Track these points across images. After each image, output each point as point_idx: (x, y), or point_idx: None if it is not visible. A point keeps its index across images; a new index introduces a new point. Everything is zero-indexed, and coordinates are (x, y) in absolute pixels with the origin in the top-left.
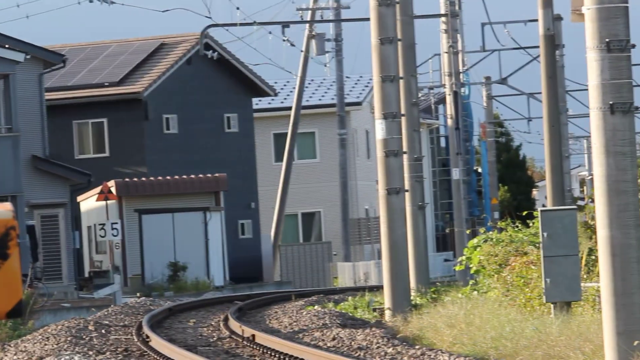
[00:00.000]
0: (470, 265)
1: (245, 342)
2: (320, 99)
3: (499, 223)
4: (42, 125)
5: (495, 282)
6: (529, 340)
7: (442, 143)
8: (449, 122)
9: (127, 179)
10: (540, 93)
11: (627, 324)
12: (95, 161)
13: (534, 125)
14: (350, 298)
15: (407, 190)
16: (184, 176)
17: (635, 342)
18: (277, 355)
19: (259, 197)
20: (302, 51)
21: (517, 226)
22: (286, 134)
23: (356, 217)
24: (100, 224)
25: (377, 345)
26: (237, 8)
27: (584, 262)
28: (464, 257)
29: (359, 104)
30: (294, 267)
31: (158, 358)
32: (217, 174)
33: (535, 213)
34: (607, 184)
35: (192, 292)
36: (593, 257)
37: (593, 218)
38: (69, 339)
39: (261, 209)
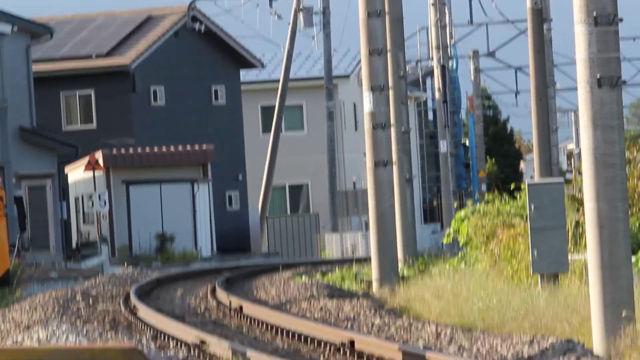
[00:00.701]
0: (458, 238)
1: (232, 313)
2: (308, 72)
3: (486, 195)
4: (29, 97)
5: (482, 254)
6: (516, 312)
7: (430, 116)
8: (437, 95)
9: (114, 151)
10: (528, 66)
11: (614, 296)
12: (83, 133)
13: (522, 98)
14: (337, 269)
15: (394, 163)
16: (172, 148)
17: (623, 313)
18: (264, 326)
19: (247, 169)
20: (289, 24)
21: (504, 199)
22: (274, 106)
23: (344, 189)
24: (87, 195)
25: (365, 316)
26: None
27: (571, 234)
28: (451, 229)
29: (346, 76)
30: (281, 238)
31: (146, 328)
32: (204, 146)
33: (522, 186)
34: (595, 157)
35: (180, 263)
36: (580, 230)
37: (580, 191)
38: (56, 308)
39: (249, 180)
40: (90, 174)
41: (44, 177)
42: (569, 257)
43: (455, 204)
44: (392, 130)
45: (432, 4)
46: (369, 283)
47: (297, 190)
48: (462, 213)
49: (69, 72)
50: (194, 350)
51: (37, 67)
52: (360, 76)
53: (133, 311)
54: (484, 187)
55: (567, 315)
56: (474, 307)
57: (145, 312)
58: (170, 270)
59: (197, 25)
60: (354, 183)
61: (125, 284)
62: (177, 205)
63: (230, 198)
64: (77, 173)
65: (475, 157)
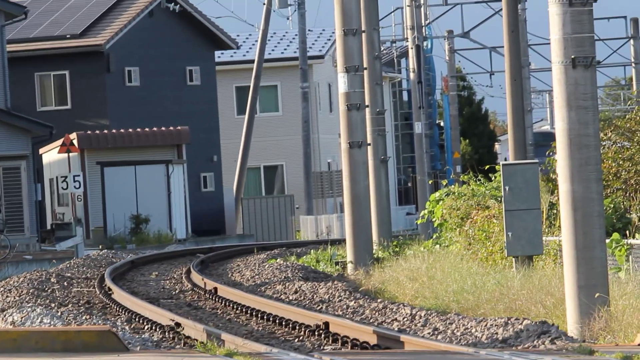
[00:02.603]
0: (433, 219)
1: (207, 295)
2: (282, 52)
3: (461, 177)
4: (3, 77)
5: (457, 236)
6: (490, 294)
7: (405, 97)
8: (412, 75)
9: (89, 132)
10: (502, 47)
11: (588, 277)
12: (57, 113)
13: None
14: (312, 251)
15: (369, 144)
16: (146, 129)
17: (597, 295)
18: (239, 308)
19: (221, 150)
20: (264, 4)
21: (479, 180)
22: (248, 87)
23: (319, 171)
24: (62, 177)
25: (339, 298)
26: None
27: (545, 216)
28: (426, 211)
29: (321, 57)
30: (256, 220)
31: (120, 310)
32: (179, 127)
33: (497, 167)
34: (569, 138)
35: (155, 245)
36: (555, 211)
37: (555, 172)
38: (31, 291)
39: (223, 162)
40: (64, 155)
41: (18, 159)
42: (544, 239)
43: (430, 182)
44: (367, 111)
45: None
46: (344, 265)
47: (272, 172)
48: (436, 194)
49: (43, 52)
50: (168, 332)
51: (11, 48)
52: (335, 57)
53: (108, 293)
54: (458, 168)
55: (541, 297)
56: (448, 289)
57: (119, 295)
58: (145, 252)
59: (171, 5)
60: (328, 164)
61: (100, 266)
62: (151, 187)
63: (205, 179)
64: (51, 154)
65: (449, 138)
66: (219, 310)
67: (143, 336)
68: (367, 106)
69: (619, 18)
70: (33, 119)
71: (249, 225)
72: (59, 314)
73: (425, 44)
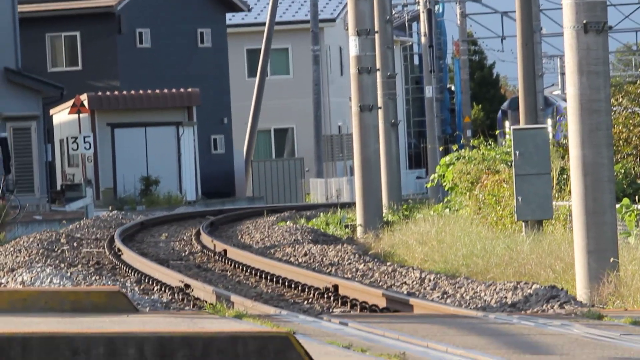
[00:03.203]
0: (443, 183)
1: (217, 257)
2: (294, 15)
3: (471, 141)
4: (14, 38)
5: (467, 200)
6: (500, 258)
7: (416, 61)
8: (423, 40)
9: (99, 93)
10: (514, 11)
11: (598, 242)
12: (68, 74)
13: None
14: (322, 214)
15: (380, 108)
16: (157, 90)
17: (611, 260)
18: (248, 270)
19: (232, 112)
20: None
21: (489, 144)
22: (259, 49)
23: (329, 134)
24: (72, 137)
25: (349, 261)
26: None
27: (555, 180)
28: (435, 175)
29: (332, 20)
30: (266, 182)
31: (129, 271)
32: (190, 89)
33: (507, 131)
34: (580, 103)
35: (164, 207)
36: (565, 176)
37: (565, 137)
38: (40, 251)
39: (234, 124)
40: (75, 116)
41: (28, 119)
42: (553, 204)
43: (440, 149)
44: (378, 74)
45: None
46: (354, 228)
47: (282, 134)
48: (447, 158)
49: (54, 13)
50: (177, 294)
51: (22, 8)
52: (346, 20)
53: (117, 254)
54: (469, 132)
55: (550, 262)
56: (458, 253)
57: (129, 256)
58: (154, 213)
59: None
60: (339, 127)
61: (110, 227)
62: (162, 149)
63: (215, 141)
64: (62, 115)
65: (460, 102)
66: (228, 272)
67: (152, 297)
68: (378, 70)
69: None
70: (44, 80)
71: (259, 188)
72: (69, 274)
73: (436, 8)
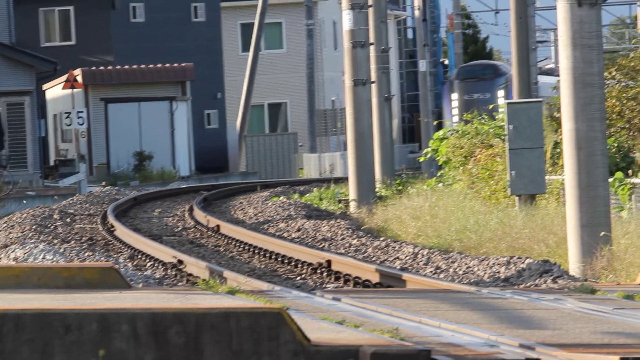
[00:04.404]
0: (436, 158)
1: (210, 232)
2: None
3: (465, 115)
4: (7, 12)
5: (460, 175)
6: (493, 233)
7: (410, 35)
8: (416, 13)
9: (93, 68)
10: None
11: (591, 216)
12: (62, 49)
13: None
14: (315, 189)
15: (373, 82)
16: (151, 65)
17: (602, 234)
18: (241, 246)
19: (226, 87)
20: None
21: (483, 118)
22: (253, 24)
23: (322, 108)
24: (66, 112)
25: (342, 236)
26: None
27: (549, 155)
28: (429, 149)
29: None
30: (259, 157)
31: (123, 247)
32: (183, 64)
33: (501, 105)
34: (574, 76)
35: (158, 182)
36: (558, 150)
37: (559, 110)
38: (33, 227)
39: (227, 99)
40: (68, 91)
41: (22, 94)
42: (547, 178)
43: (434, 123)
44: (371, 48)
45: None
46: (347, 203)
47: (275, 109)
48: (440, 133)
49: None
50: (171, 270)
51: None
52: None
53: (110, 230)
54: None
55: (543, 236)
56: (451, 228)
57: (122, 232)
58: (148, 189)
59: None
60: (332, 102)
61: (103, 202)
62: (155, 123)
63: (208, 116)
64: (55, 90)
65: None
66: (221, 248)
67: (145, 273)
68: (372, 44)
69: None
70: (37, 55)
71: (252, 163)
72: (62, 250)
73: None
